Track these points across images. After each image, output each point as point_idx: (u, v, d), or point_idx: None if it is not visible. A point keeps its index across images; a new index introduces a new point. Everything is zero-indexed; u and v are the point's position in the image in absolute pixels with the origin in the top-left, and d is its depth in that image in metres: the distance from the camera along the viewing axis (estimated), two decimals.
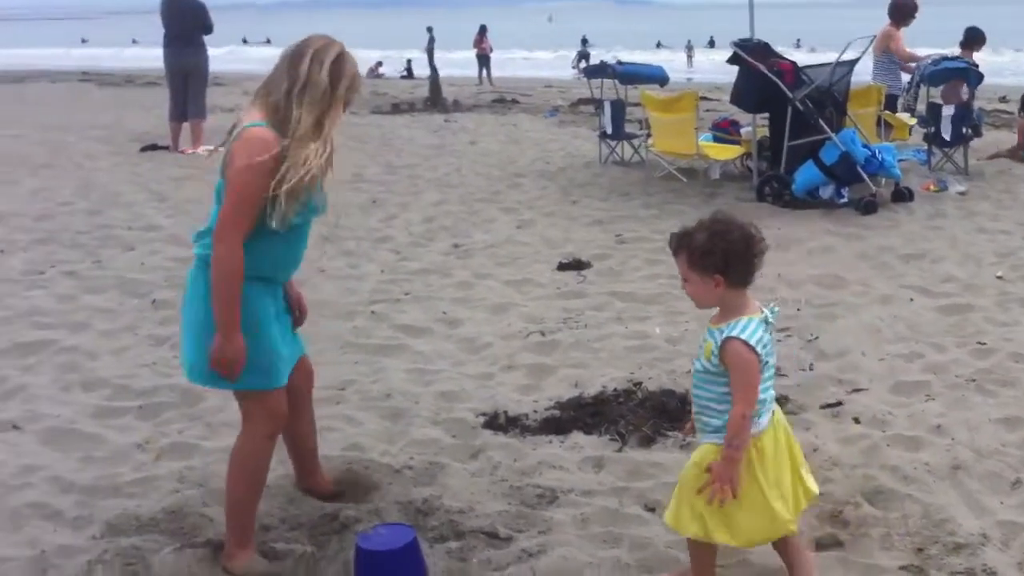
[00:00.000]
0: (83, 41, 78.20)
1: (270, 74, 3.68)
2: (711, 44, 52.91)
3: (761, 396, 3.32)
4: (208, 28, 13.73)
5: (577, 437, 4.85)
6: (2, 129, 16.27)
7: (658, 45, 58.21)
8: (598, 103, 13.12)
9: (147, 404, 5.31)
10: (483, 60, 33.71)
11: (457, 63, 37.54)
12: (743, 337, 3.25)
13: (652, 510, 4.16)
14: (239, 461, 3.83)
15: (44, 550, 3.88)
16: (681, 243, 3.42)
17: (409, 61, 36.78)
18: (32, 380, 5.66)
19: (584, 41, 43.51)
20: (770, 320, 3.37)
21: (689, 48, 49.16)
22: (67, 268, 7.95)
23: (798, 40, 45.67)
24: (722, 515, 3.34)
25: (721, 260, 3.30)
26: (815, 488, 3.56)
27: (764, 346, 3.29)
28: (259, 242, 3.59)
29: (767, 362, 3.33)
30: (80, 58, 49.96)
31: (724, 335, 3.29)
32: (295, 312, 4.06)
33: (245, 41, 69.36)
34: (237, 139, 3.56)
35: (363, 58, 42.03)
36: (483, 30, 34.46)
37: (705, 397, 3.42)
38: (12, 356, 6.05)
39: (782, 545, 3.55)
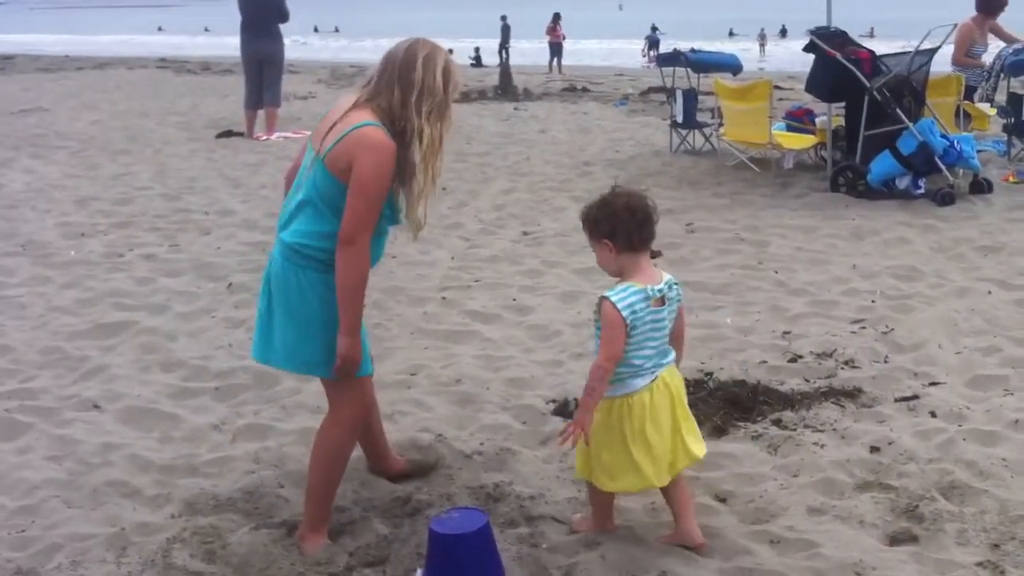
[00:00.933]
0: (159, 29, 79.44)
1: (375, 77, 3.67)
2: (783, 33, 52.25)
3: (637, 361, 3.63)
4: (284, 16, 13.89)
5: None
6: (83, 114, 16.64)
7: (731, 34, 57.62)
8: (670, 91, 13.03)
9: (223, 386, 5.42)
10: (555, 48, 33.56)
11: (528, 52, 37.59)
12: (613, 299, 3.57)
13: (723, 500, 4.15)
14: (325, 447, 3.88)
15: (124, 527, 3.98)
16: (581, 216, 3.78)
17: (477, 49, 36.85)
18: (113, 360, 5.80)
19: (654, 28, 43.21)
20: (653, 294, 3.64)
21: (762, 37, 48.55)
22: (146, 251, 8.12)
23: (872, 29, 44.89)
24: (602, 464, 3.71)
25: (607, 226, 3.65)
26: (698, 452, 3.81)
27: (635, 313, 3.58)
28: None
29: (634, 326, 3.59)
30: (156, 46, 50.79)
31: (603, 294, 3.64)
32: None
33: (316, 30, 69.97)
34: (356, 140, 3.55)
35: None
36: (556, 18, 34.32)
37: (595, 352, 3.71)
38: (94, 336, 6.20)
39: (665, 492, 3.84)
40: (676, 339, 3.84)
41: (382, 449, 4.37)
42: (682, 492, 3.84)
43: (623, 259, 3.68)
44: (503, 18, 35.15)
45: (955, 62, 11.57)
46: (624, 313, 3.56)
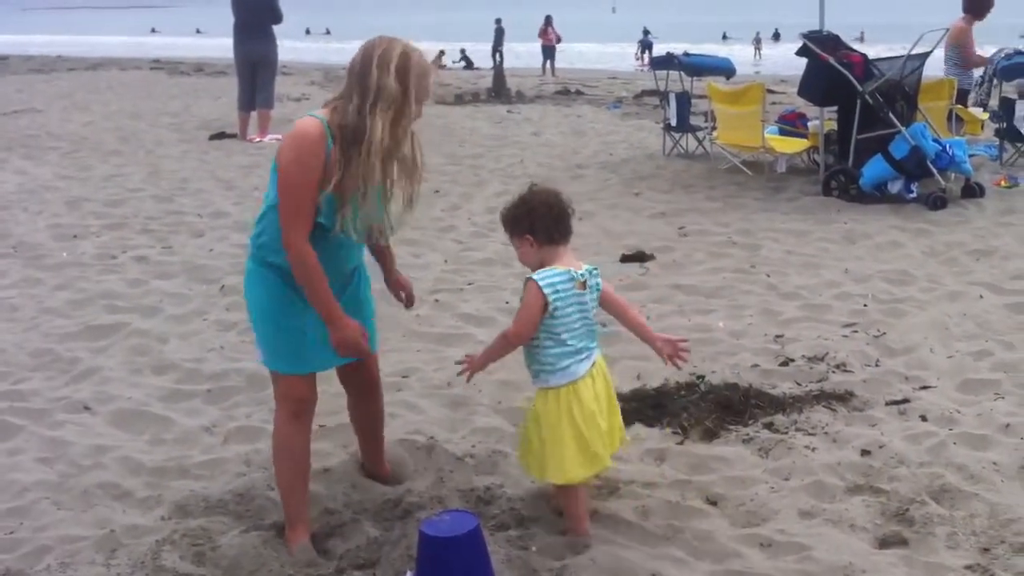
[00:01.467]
0: (152, 31, 79.33)
1: (343, 88, 3.65)
2: (776, 37, 52.31)
3: (571, 342, 3.81)
4: (277, 18, 13.88)
5: (639, 429, 4.85)
6: (75, 116, 16.61)
7: (724, 37, 57.66)
8: (663, 95, 13.05)
9: (215, 388, 5.41)
10: (548, 51, 33.58)
11: (521, 55, 37.61)
12: (538, 280, 3.75)
13: (714, 504, 4.15)
14: (275, 443, 3.96)
15: (113, 529, 3.97)
16: (501, 216, 3.98)
17: (462, 51, 36.89)
18: (104, 362, 5.79)
19: (646, 32, 43.23)
20: (577, 277, 3.82)
21: (757, 40, 48.62)
22: (138, 253, 8.11)
23: (862, 33, 44.90)
24: (554, 457, 3.79)
25: (527, 223, 3.84)
26: (625, 435, 4.09)
27: (557, 292, 3.75)
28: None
29: (558, 307, 3.76)
30: (150, 47, 50.73)
31: (528, 276, 3.80)
32: (400, 294, 4.32)
33: (308, 32, 69.90)
34: (288, 133, 3.67)
35: (425, 49, 42.23)
36: (548, 20, 34.33)
37: (531, 342, 3.86)
38: (85, 338, 6.19)
39: (561, 491, 3.93)
40: (623, 317, 4.12)
41: (373, 453, 4.38)
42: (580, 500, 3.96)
43: (544, 252, 3.85)
44: (497, 21, 35.11)
45: (965, 61, 11.58)
46: (547, 292, 3.73)
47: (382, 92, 3.55)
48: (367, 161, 3.55)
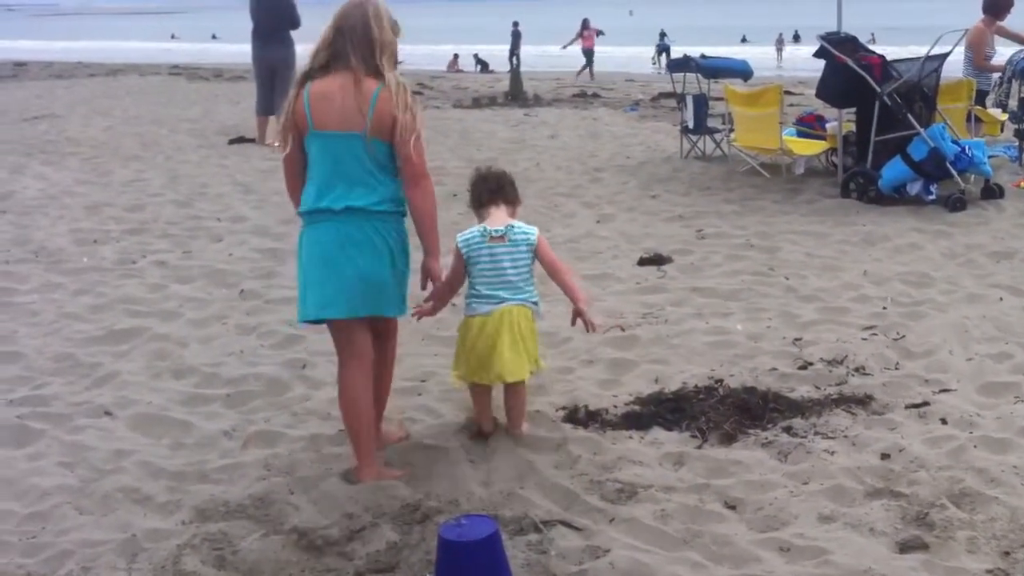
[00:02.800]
0: (172, 37, 79.71)
1: (351, 41, 4.22)
2: (796, 39, 52.09)
3: (476, 288, 4.65)
4: (295, 23, 13.92)
5: (657, 433, 4.85)
6: (95, 121, 16.70)
7: (743, 40, 57.47)
8: (680, 97, 13.03)
9: (235, 392, 5.43)
10: (588, 54, 33.34)
11: (538, 58, 37.60)
12: (457, 238, 4.68)
13: (733, 508, 4.14)
14: (339, 391, 4.44)
15: (135, 534, 3.99)
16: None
17: (476, 55, 36.99)
18: (124, 367, 5.82)
19: (662, 35, 43.17)
20: (490, 232, 4.66)
21: (780, 42, 48.44)
22: (158, 258, 8.15)
23: (872, 35, 44.59)
24: (454, 362, 4.80)
25: (471, 195, 4.87)
26: (509, 376, 4.62)
27: (469, 246, 4.65)
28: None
29: (471, 258, 4.64)
30: (169, 52, 51.02)
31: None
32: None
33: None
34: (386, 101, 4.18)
35: (442, 52, 42.23)
36: (586, 23, 34.17)
37: None
38: (106, 343, 6.23)
39: (504, 399, 4.82)
40: (555, 277, 4.74)
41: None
42: (512, 399, 4.77)
43: (479, 213, 4.78)
44: (515, 24, 35.16)
45: (976, 66, 11.55)
46: (460, 246, 4.65)
47: (387, 46, 4.23)
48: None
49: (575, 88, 23.45)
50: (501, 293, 4.60)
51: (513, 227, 4.66)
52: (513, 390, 4.75)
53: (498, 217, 4.71)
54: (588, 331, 4.76)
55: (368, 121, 4.14)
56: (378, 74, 4.18)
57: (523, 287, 4.66)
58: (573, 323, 4.73)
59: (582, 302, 4.65)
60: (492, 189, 4.78)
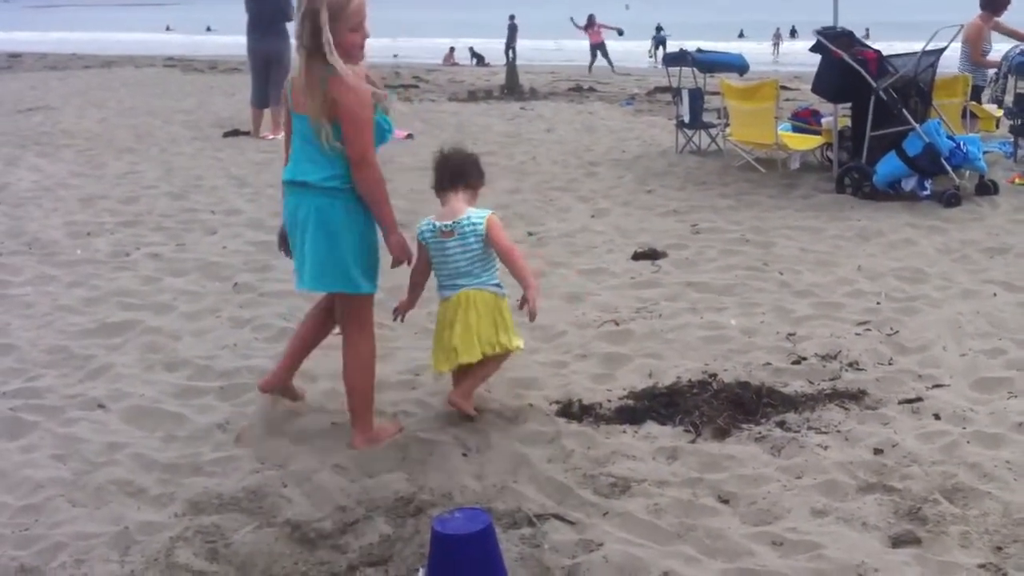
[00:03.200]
0: (167, 28, 79.50)
1: (300, 22, 4.31)
2: (793, 34, 52.00)
3: (443, 281, 4.84)
4: (291, 15, 13.87)
5: (651, 427, 4.85)
6: (90, 113, 16.67)
7: (741, 35, 57.38)
8: (676, 91, 13.03)
9: (228, 385, 5.42)
10: (600, 49, 33.27)
11: (533, 51, 37.53)
12: (417, 226, 4.88)
13: (726, 502, 4.15)
14: (364, 359, 4.69)
15: (127, 526, 3.98)
16: None
17: (472, 49, 36.99)
18: (118, 359, 5.81)
19: (659, 29, 43.12)
20: (439, 227, 4.75)
21: (777, 37, 48.55)
22: (152, 250, 8.13)
23: (867, 30, 44.49)
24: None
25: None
26: (463, 358, 4.77)
27: (424, 238, 4.82)
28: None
29: (429, 247, 4.81)
30: (163, 44, 50.92)
31: None
32: None
33: None
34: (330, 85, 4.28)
35: (438, 45, 42.17)
36: (592, 18, 34.13)
37: None
38: (99, 335, 6.22)
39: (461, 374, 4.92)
40: (506, 262, 4.80)
41: (291, 370, 5.00)
42: (471, 373, 4.87)
43: (439, 197, 4.85)
44: (511, 17, 35.11)
45: (973, 62, 11.56)
46: (419, 236, 4.82)
47: (309, 15, 4.25)
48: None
49: (570, 82, 23.43)
50: (459, 281, 4.78)
51: (461, 221, 4.71)
52: (468, 370, 4.85)
53: (453, 206, 4.77)
54: (530, 320, 4.81)
55: (315, 104, 4.27)
56: (322, 53, 4.23)
57: (479, 273, 4.78)
58: (520, 307, 4.78)
59: (532, 289, 4.71)
60: (454, 174, 4.81)
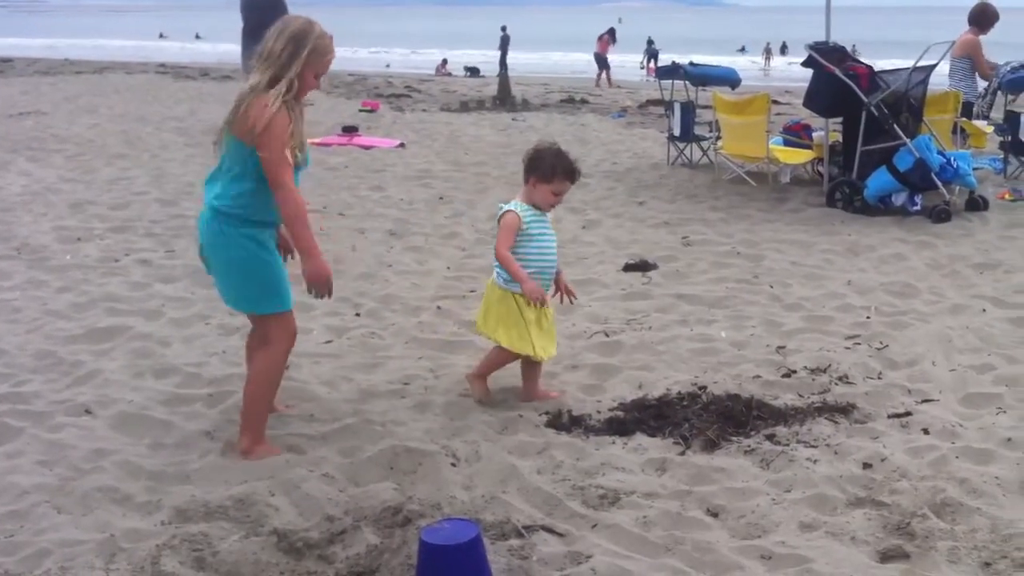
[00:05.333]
0: (160, 36, 79.42)
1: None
2: (783, 51, 52.17)
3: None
4: None
5: (640, 439, 4.84)
6: (81, 118, 16.63)
7: (742, 50, 57.50)
8: (668, 104, 13.06)
9: (216, 392, 5.40)
10: (601, 61, 33.28)
11: (527, 63, 37.59)
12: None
13: (715, 515, 4.14)
14: (267, 373, 4.65)
15: (113, 534, 3.95)
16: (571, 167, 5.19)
17: (466, 67, 37.18)
18: (106, 365, 5.78)
19: (650, 42, 43.26)
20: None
21: (767, 51, 48.97)
22: (141, 256, 8.11)
23: (853, 46, 44.70)
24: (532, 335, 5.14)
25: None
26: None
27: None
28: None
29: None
30: (156, 51, 50.86)
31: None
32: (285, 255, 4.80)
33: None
34: (251, 105, 4.39)
35: (432, 57, 42.19)
36: (613, 32, 34.12)
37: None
38: (88, 341, 6.19)
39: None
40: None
41: None
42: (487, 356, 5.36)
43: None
44: (503, 28, 35.22)
45: (983, 76, 11.61)
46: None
47: (271, 55, 4.40)
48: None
49: (563, 93, 23.46)
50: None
51: (499, 210, 5.21)
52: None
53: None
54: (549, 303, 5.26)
55: (231, 121, 4.40)
56: (273, 73, 4.37)
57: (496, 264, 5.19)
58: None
59: (524, 285, 5.02)
60: (525, 166, 5.21)
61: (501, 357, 5.27)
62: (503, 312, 5.13)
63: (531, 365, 5.27)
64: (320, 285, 4.41)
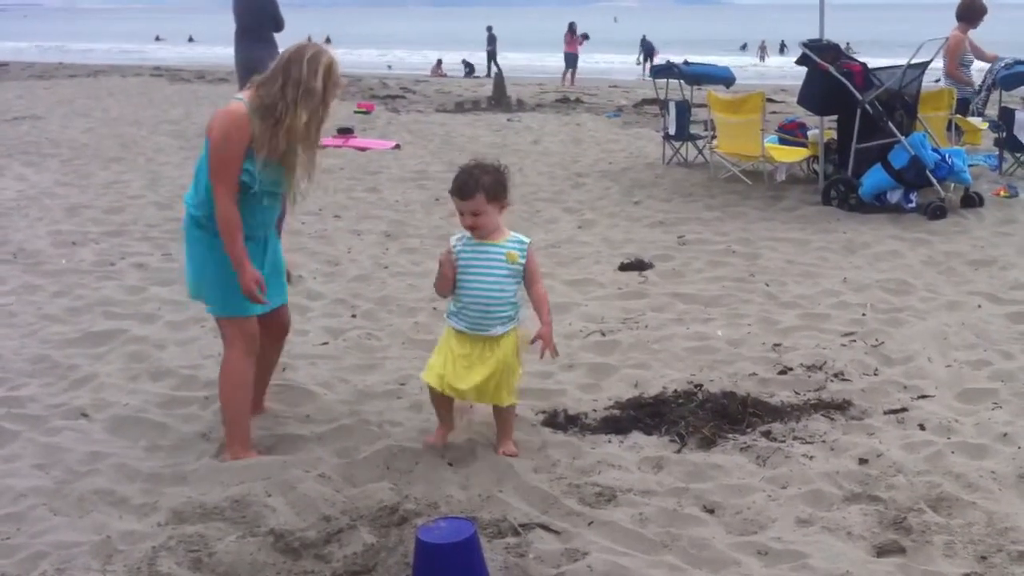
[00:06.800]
0: (157, 39, 79.36)
1: (268, 74, 4.46)
2: (782, 50, 52.17)
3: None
4: (279, 25, 13.83)
5: (636, 437, 4.84)
6: (76, 122, 16.63)
7: (743, 47, 57.62)
8: (663, 103, 13.07)
9: (212, 395, 5.37)
10: (570, 59, 33.18)
11: (519, 62, 37.61)
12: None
13: (711, 512, 4.15)
14: (231, 378, 4.64)
15: (110, 536, 3.95)
16: (475, 186, 4.45)
17: (464, 61, 37.17)
18: (102, 369, 5.78)
19: (644, 40, 43.34)
20: None
21: (762, 49, 49.14)
22: (137, 260, 8.11)
23: (847, 44, 44.70)
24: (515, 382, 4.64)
25: (503, 189, 4.53)
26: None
27: None
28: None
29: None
30: (151, 54, 50.85)
31: (525, 244, 4.57)
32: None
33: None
34: (217, 113, 4.47)
35: (426, 58, 42.17)
36: (572, 27, 33.99)
37: (508, 295, 4.53)
38: (84, 345, 6.19)
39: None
40: None
41: (259, 393, 5.03)
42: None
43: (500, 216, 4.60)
44: (488, 28, 35.42)
45: (948, 74, 11.62)
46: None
47: (304, 85, 4.33)
48: (278, 139, 4.33)
49: (558, 94, 23.48)
50: None
51: None
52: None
53: None
54: None
55: (208, 126, 4.45)
56: (276, 100, 4.37)
57: None
58: None
59: None
60: None
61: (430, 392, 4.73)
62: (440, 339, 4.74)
63: (497, 412, 4.70)
64: (249, 295, 4.47)
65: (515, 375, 4.62)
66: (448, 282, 4.55)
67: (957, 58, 11.48)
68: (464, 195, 4.45)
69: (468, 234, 4.55)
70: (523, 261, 4.53)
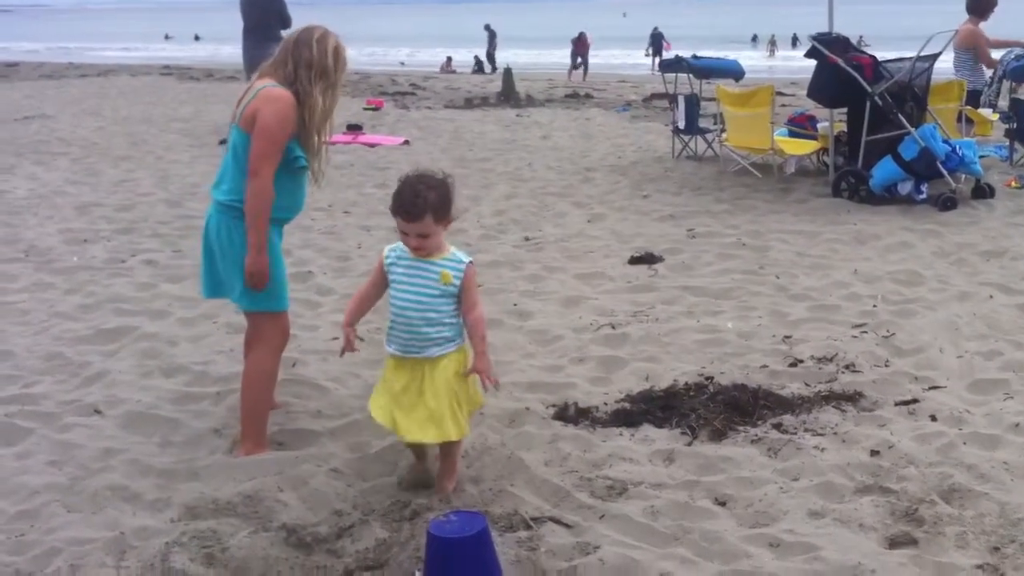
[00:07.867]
0: (166, 37, 79.52)
1: (277, 55, 4.51)
2: (794, 43, 51.98)
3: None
4: (286, 22, 13.88)
5: (648, 430, 4.84)
6: (86, 121, 16.67)
7: (754, 38, 57.56)
8: (672, 98, 13.04)
9: (224, 391, 5.41)
10: (576, 58, 33.23)
11: (531, 59, 37.57)
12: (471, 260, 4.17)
13: (723, 504, 4.14)
14: (260, 375, 4.63)
15: (123, 532, 3.97)
16: (423, 207, 3.97)
17: (476, 57, 37.20)
18: (114, 366, 5.80)
19: (655, 30, 43.30)
20: None
21: (772, 43, 49.17)
22: (148, 257, 8.13)
23: (860, 37, 44.56)
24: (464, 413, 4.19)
25: (450, 205, 4.08)
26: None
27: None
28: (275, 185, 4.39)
29: None
30: (158, 52, 50.93)
31: (463, 264, 4.11)
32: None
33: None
34: (260, 97, 4.38)
35: (436, 55, 42.17)
36: (582, 37, 34.12)
37: (442, 315, 4.11)
38: (96, 342, 6.21)
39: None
40: None
41: None
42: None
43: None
44: (487, 27, 35.56)
45: (987, 65, 11.57)
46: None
47: (317, 65, 4.39)
48: (303, 120, 4.41)
49: (567, 89, 23.45)
50: None
51: None
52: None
53: None
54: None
55: (239, 113, 4.43)
56: (287, 81, 4.41)
57: None
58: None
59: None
60: None
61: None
62: None
63: (444, 447, 4.27)
64: (255, 278, 4.43)
65: (467, 403, 4.19)
66: (364, 300, 4.40)
67: (986, 50, 11.43)
68: (411, 218, 3.97)
69: (404, 247, 4.14)
70: (457, 283, 4.08)
